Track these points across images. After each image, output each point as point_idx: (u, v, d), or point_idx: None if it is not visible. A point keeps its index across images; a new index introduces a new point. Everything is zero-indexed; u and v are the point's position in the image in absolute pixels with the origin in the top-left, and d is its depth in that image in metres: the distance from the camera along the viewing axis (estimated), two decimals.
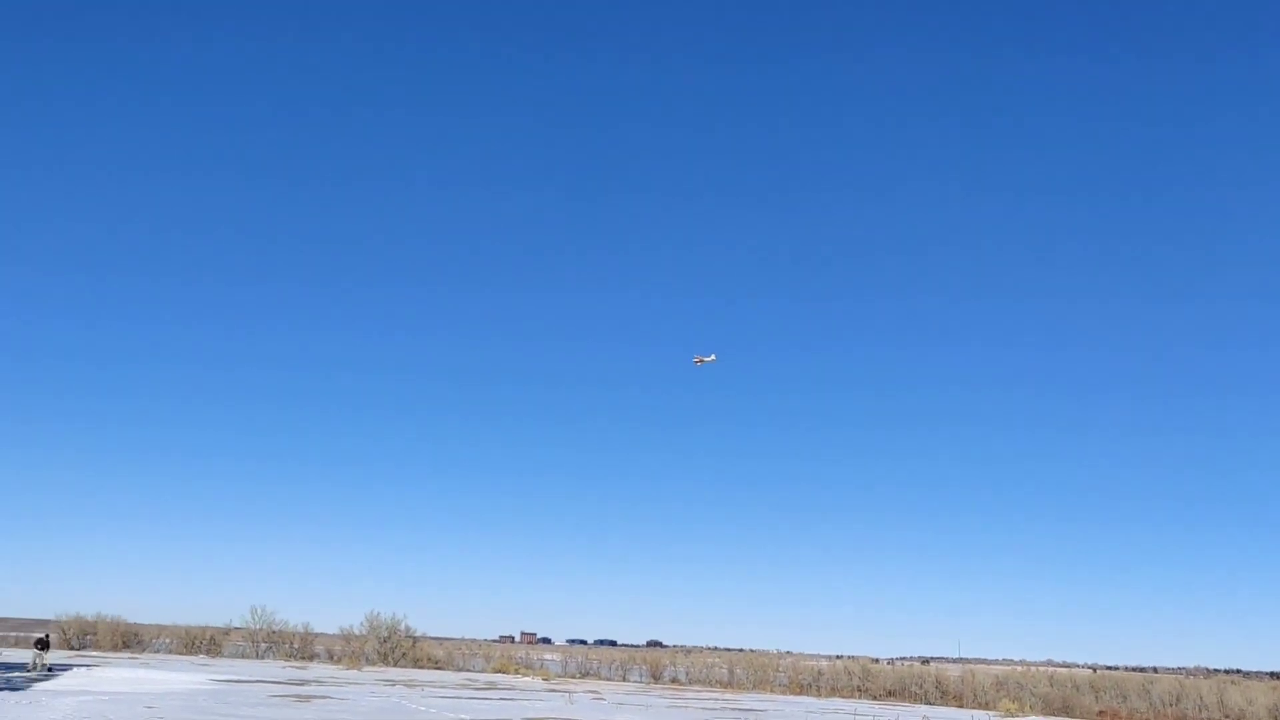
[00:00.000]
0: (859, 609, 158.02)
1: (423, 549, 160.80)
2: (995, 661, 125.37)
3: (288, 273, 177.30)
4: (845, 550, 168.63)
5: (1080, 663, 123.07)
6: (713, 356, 63.23)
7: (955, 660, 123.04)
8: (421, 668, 65.15)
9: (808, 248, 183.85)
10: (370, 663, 64.76)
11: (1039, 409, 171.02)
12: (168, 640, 72.09)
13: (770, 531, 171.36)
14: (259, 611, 69.21)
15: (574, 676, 65.86)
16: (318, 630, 71.38)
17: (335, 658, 66.55)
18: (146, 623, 74.91)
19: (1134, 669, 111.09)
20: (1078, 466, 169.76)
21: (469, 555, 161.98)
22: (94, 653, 63.54)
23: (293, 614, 79.41)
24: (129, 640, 68.84)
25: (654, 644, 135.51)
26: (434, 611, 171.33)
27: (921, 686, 60.90)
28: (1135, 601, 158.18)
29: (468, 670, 67.04)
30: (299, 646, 68.84)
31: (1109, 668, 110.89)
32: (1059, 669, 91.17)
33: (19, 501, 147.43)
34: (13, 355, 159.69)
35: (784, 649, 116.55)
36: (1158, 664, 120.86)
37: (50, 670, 42.51)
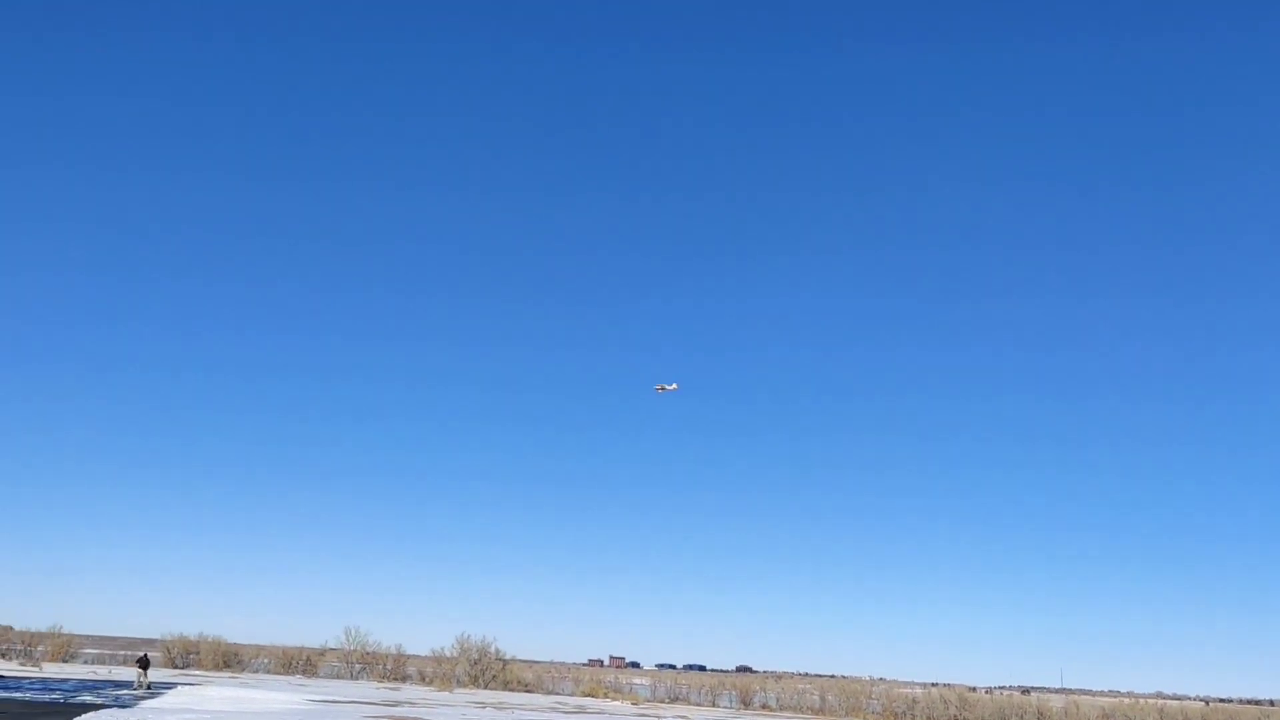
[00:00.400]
0: (956, 634, 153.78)
1: (513, 572, 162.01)
2: (1101, 693, 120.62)
3: (361, 283, 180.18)
4: (941, 573, 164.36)
5: (1192, 695, 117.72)
6: (674, 385, 63.66)
7: (1058, 690, 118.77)
8: (511, 690, 65.38)
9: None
10: (461, 684, 65.22)
11: (1144, 429, 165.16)
12: (266, 660, 73.84)
13: (863, 554, 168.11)
14: (353, 633, 70.41)
15: (663, 701, 65.33)
16: (410, 652, 72.31)
17: (427, 679, 67.22)
18: (246, 643, 76.99)
19: (1249, 701, 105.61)
20: (1180, 489, 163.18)
21: (558, 578, 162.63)
22: (197, 671, 65.35)
23: (385, 635, 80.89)
24: (229, 660, 70.62)
25: (744, 669, 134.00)
26: (523, 634, 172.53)
27: (1022, 717, 58.78)
28: (1250, 629, 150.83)
29: (557, 693, 67.03)
30: (391, 668, 69.73)
31: (1223, 700, 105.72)
32: (1169, 701, 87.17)
33: (128, 526, 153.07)
34: (127, 386, 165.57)
35: (877, 675, 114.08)
36: (1275, 696, 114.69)
37: (149, 688, 43.90)
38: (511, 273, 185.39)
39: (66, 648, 71.84)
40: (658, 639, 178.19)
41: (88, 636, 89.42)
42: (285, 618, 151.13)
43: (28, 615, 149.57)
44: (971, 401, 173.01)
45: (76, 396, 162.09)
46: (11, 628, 75.60)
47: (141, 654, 51.32)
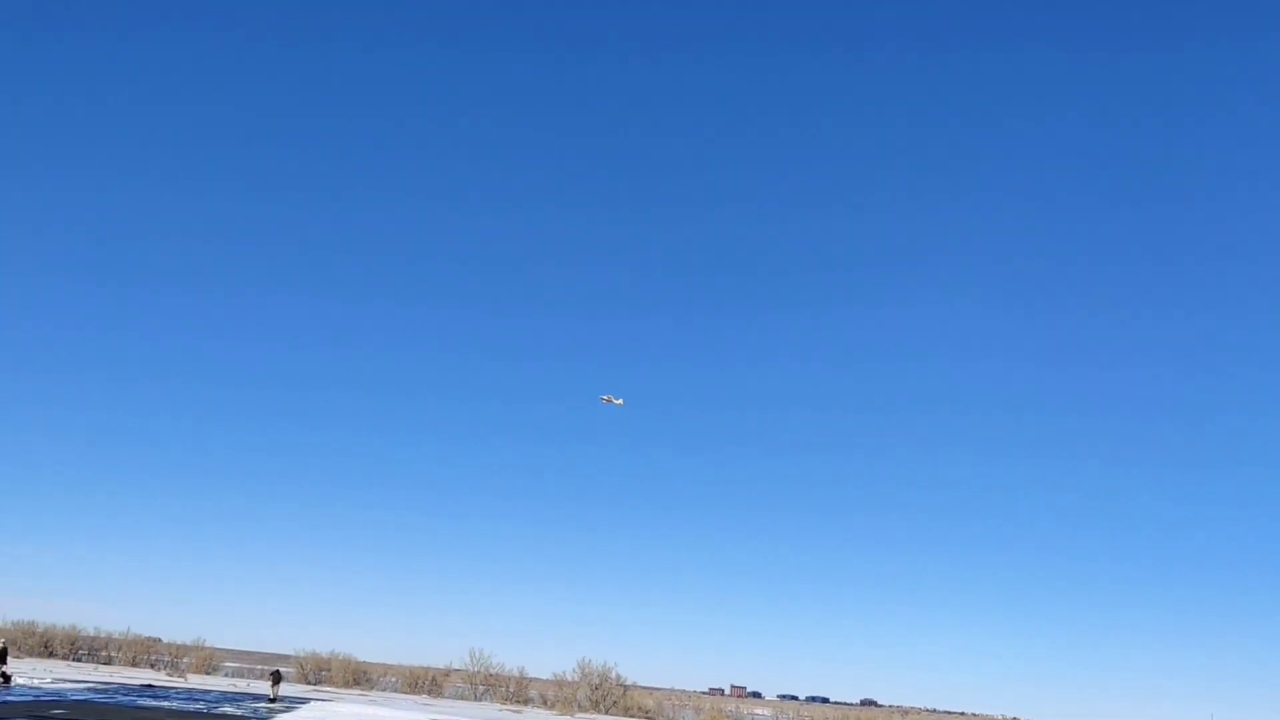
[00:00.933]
0: (1103, 672, 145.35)
1: (634, 596, 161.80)
2: None
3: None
4: (1087, 604, 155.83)
5: None
6: (620, 400, 63.03)
7: None
8: (632, 717, 65.16)
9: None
10: (582, 709, 65.36)
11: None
12: (393, 679, 75.63)
13: (998, 584, 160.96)
14: (477, 654, 71.34)
15: None
16: (531, 675, 72.86)
17: (548, 703, 67.61)
18: (374, 661, 79.01)
19: None
20: None
21: (680, 604, 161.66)
22: (328, 688, 67.42)
23: (508, 658, 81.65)
24: (359, 678, 72.59)
25: (869, 703, 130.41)
26: (644, 660, 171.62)
27: None
28: None
29: None
30: (514, 690, 70.41)
31: None
32: None
33: (267, 546, 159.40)
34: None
35: (1012, 714, 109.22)
36: None
37: (275, 700, 45.67)
38: (630, 286, 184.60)
39: (209, 660, 75.34)
40: (780, 668, 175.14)
41: (228, 650, 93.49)
42: (412, 638, 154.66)
43: (174, 628, 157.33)
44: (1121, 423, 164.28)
45: (219, 418, 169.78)
46: (160, 640, 79.67)
47: (274, 669, 53.52)
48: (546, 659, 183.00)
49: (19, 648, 65.97)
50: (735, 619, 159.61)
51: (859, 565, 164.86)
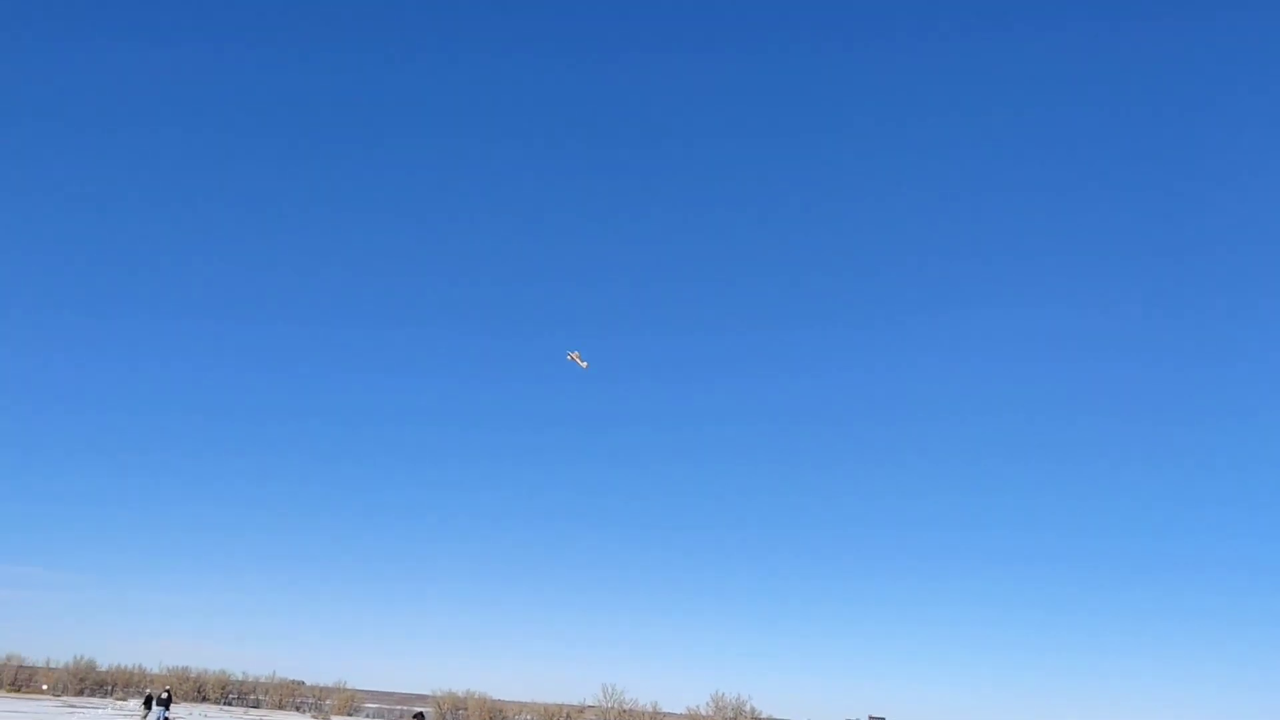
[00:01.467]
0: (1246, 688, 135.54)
1: (769, 626, 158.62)
2: None
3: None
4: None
5: None
6: (585, 363, 61.24)
7: None
8: None
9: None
10: None
11: None
12: (529, 717, 75.91)
13: (1168, 598, 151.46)
14: (610, 690, 70.95)
15: None
16: (665, 709, 72.01)
17: None
18: (509, 700, 79.46)
19: None
20: None
21: (816, 632, 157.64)
22: None
23: (641, 692, 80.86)
24: (494, 716, 73.10)
25: None
26: (778, 691, 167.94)
27: None
28: None
29: None
30: None
31: None
32: None
33: (406, 590, 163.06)
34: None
35: None
36: None
37: None
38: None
39: (351, 701, 77.18)
40: (920, 697, 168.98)
41: (368, 691, 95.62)
42: (546, 674, 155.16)
43: (316, 671, 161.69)
44: None
45: (356, 464, 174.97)
46: (303, 683, 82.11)
47: (417, 710, 54.40)
48: (680, 692, 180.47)
49: (175, 693, 68.91)
50: (873, 645, 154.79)
51: (1005, 587, 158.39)
